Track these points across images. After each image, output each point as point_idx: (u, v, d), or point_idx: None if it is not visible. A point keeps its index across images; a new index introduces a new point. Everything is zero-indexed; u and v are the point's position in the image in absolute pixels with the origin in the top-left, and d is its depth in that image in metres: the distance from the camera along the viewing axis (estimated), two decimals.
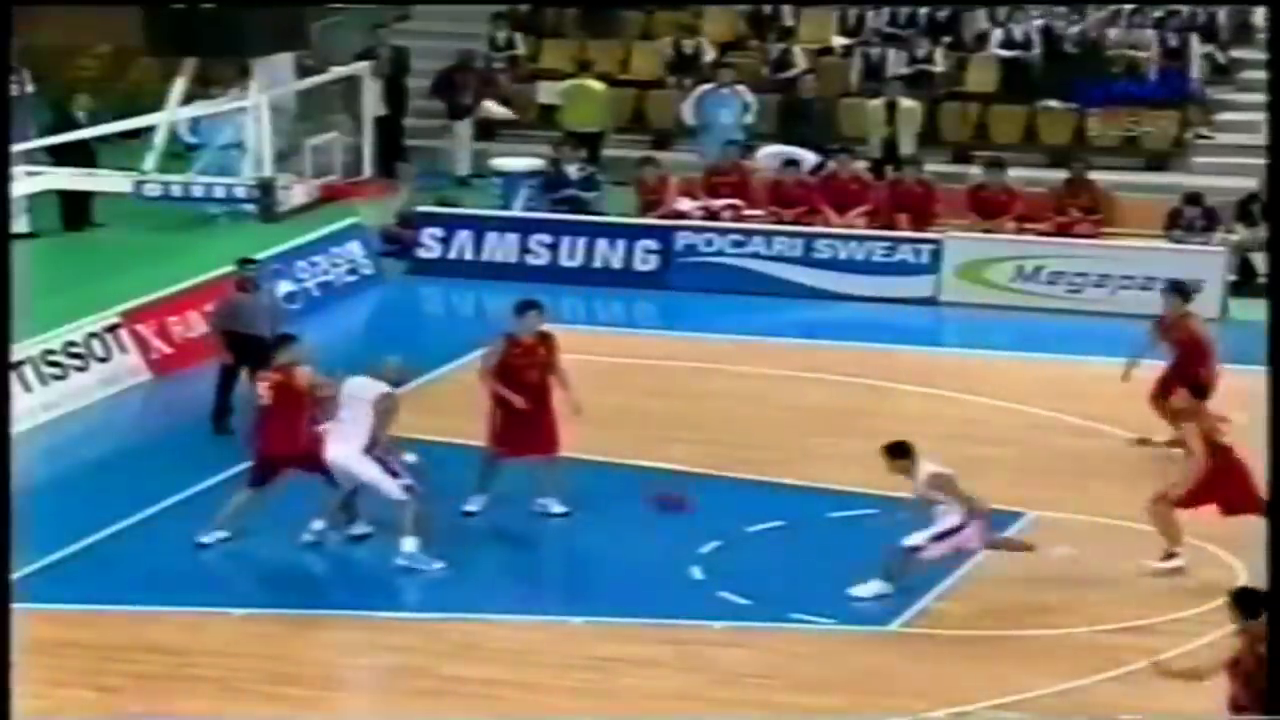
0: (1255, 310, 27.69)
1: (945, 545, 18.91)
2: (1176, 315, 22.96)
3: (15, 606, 18.97)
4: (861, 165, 30.71)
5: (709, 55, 33.73)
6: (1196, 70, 32.37)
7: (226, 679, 17.95)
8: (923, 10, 33.57)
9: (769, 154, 31.10)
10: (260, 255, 27.55)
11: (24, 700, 17.45)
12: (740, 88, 32.39)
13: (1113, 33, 32.62)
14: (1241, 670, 14.47)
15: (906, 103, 31.55)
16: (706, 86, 32.55)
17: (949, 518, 18.83)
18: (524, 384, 20.97)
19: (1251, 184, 29.20)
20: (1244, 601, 14.71)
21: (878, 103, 31.67)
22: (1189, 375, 21.87)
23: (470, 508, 21.15)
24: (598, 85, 33.26)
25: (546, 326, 21.23)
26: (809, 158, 30.87)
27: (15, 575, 19.33)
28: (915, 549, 18.83)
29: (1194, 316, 23.09)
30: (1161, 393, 22.28)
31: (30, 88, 31.38)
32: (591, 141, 32.43)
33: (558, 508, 21.18)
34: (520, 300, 21.73)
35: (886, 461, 19.11)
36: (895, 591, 19.00)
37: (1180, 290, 23.21)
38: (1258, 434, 19.36)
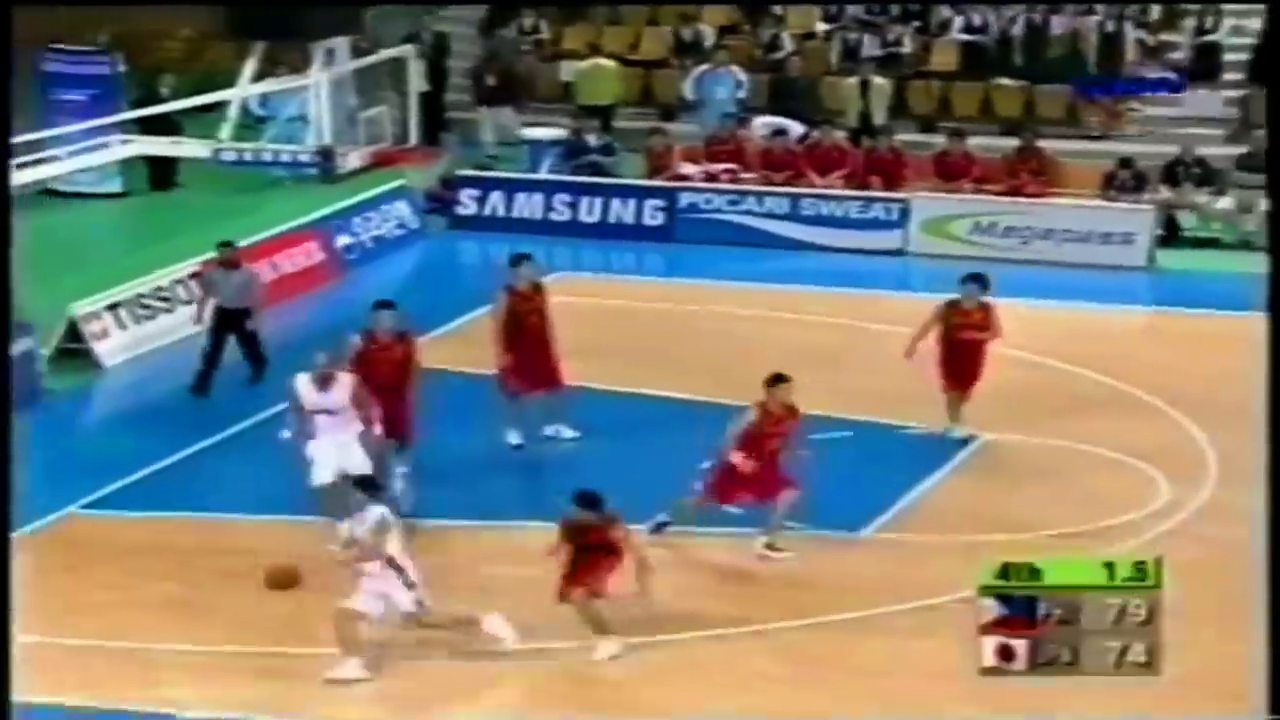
0: (1178, 260, 27.81)
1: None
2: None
3: (111, 515, 19.26)
4: (840, 135, 30.66)
5: (708, 40, 33.67)
6: (1131, 53, 32.26)
7: (328, 574, 18.01)
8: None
9: (762, 124, 31.07)
10: (305, 219, 27.74)
11: (113, 592, 17.67)
12: (734, 67, 32.34)
13: (1056, 19, 32.49)
14: None
15: (878, 80, 31.52)
16: (704, 67, 32.53)
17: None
18: (525, 328, 20.93)
19: (1175, 150, 29.22)
20: None
21: (853, 81, 31.63)
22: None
23: (513, 441, 21.08)
24: (610, 64, 33.24)
25: (564, 274, 21.21)
26: (796, 128, 30.85)
27: (111, 489, 19.64)
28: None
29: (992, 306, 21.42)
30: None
31: (122, 68, 31.36)
32: (604, 114, 32.39)
33: (568, 433, 21.20)
34: (513, 253, 21.64)
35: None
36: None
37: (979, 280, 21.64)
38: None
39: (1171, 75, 32.25)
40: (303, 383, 18.52)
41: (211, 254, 25.78)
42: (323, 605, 16.62)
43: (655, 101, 33.35)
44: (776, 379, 18.72)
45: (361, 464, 18.10)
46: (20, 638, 16.49)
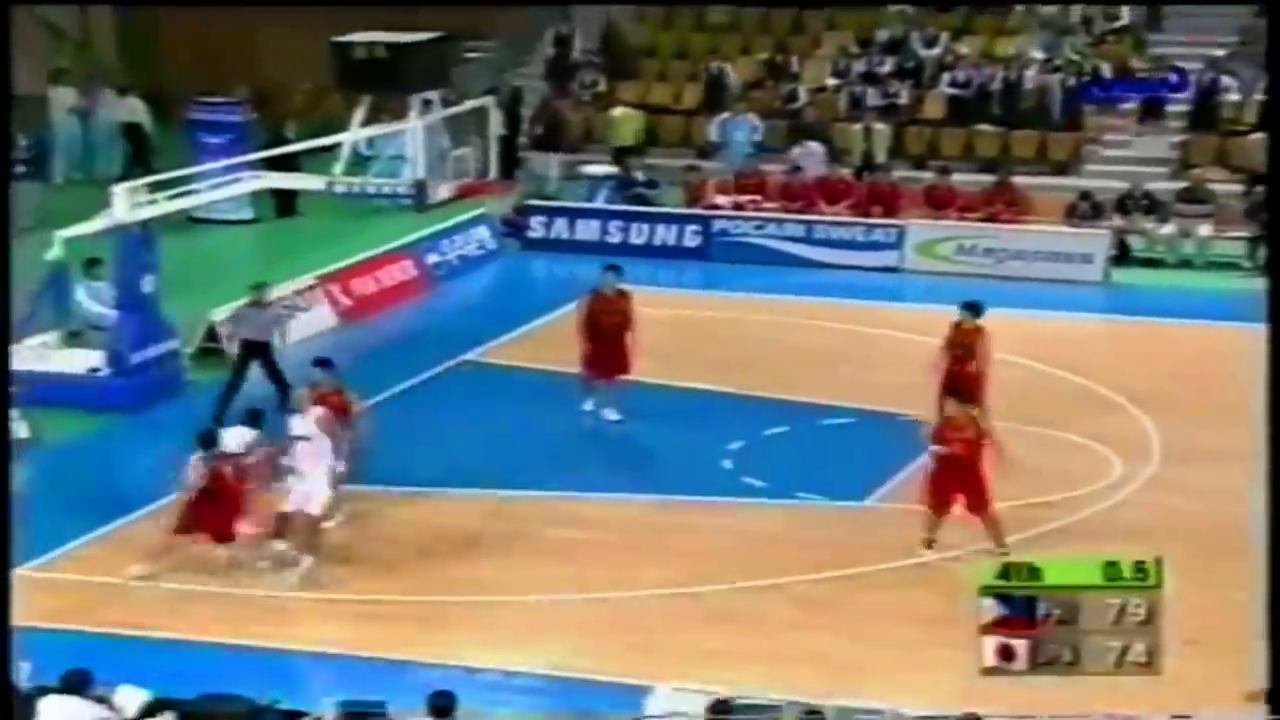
0: (1129, 276, 27.66)
1: None
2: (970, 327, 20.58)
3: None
4: (847, 171, 30.57)
5: (734, 91, 33.46)
6: (1089, 104, 32.06)
7: (394, 536, 18.08)
8: (891, 60, 33.31)
9: (799, 154, 30.87)
10: (402, 240, 27.71)
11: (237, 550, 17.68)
12: (750, 115, 32.20)
13: (1028, 75, 32.31)
14: None
15: (879, 126, 31.39)
16: (725, 114, 32.37)
17: None
18: (602, 326, 21.04)
19: (1126, 185, 29.08)
20: None
21: (859, 126, 31.51)
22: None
23: (587, 407, 21.11)
24: (633, 112, 33.16)
25: (624, 285, 21.30)
26: (818, 149, 30.65)
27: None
28: None
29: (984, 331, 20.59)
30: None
31: (254, 116, 31.51)
32: (629, 152, 32.28)
33: (614, 415, 21.20)
34: (606, 263, 21.84)
35: None
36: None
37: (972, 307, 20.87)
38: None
39: (1173, 77, 32.03)
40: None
41: (323, 270, 25.96)
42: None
43: (692, 144, 33.23)
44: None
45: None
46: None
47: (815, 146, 30.85)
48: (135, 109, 33.68)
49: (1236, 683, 14.28)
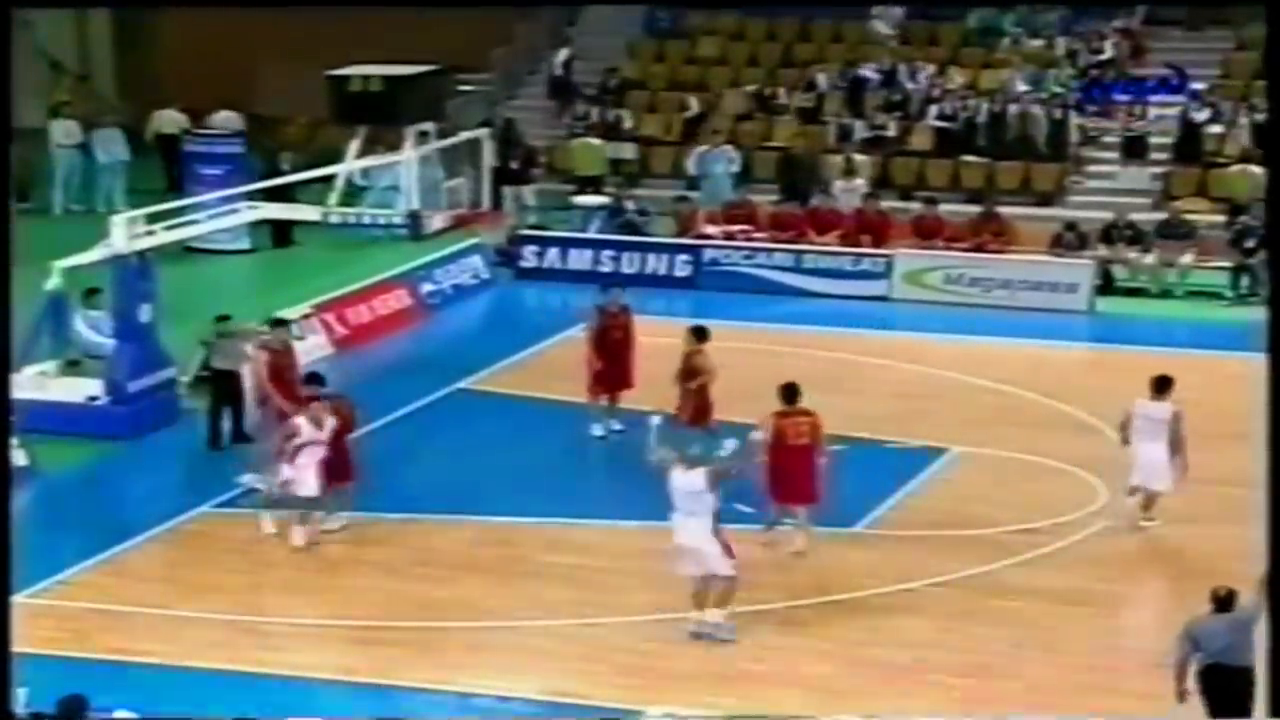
0: (1113, 305, 27.69)
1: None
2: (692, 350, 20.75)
3: (240, 512, 19.23)
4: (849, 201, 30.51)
5: (720, 124, 33.46)
6: (1074, 135, 32.18)
7: (389, 561, 18.05)
8: (880, 92, 33.39)
9: (842, 187, 30.79)
10: (397, 270, 27.68)
11: (240, 576, 17.60)
12: (727, 146, 32.25)
13: (1012, 108, 32.39)
14: None
15: (859, 158, 31.42)
16: (704, 147, 32.37)
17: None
18: (610, 341, 21.18)
19: (1110, 216, 29.12)
20: None
21: (838, 158, 31.51)
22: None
23: (597, 433, 21.27)
24: (596, 142, 33.27)
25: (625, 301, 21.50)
26: (859, 184, 30.43)
27: (237, 491, 19.61)
28: None
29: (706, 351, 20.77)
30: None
31: (250, 148, 31.55)
32: (594, 182, 32.41)
33: (618, 426, 21.27)
34: (606, 281, 22.00)
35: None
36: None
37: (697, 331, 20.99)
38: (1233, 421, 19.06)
39: (1173, 77, 32.09)
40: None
41: (319, 299, 25.92)
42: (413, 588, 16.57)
43: (682, 175, 33.27)
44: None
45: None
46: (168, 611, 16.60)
47: (859, 182, 30.74)
48: (175, 120, 33.92)
49: None
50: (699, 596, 16.27)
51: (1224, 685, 13.59)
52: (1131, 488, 18.77)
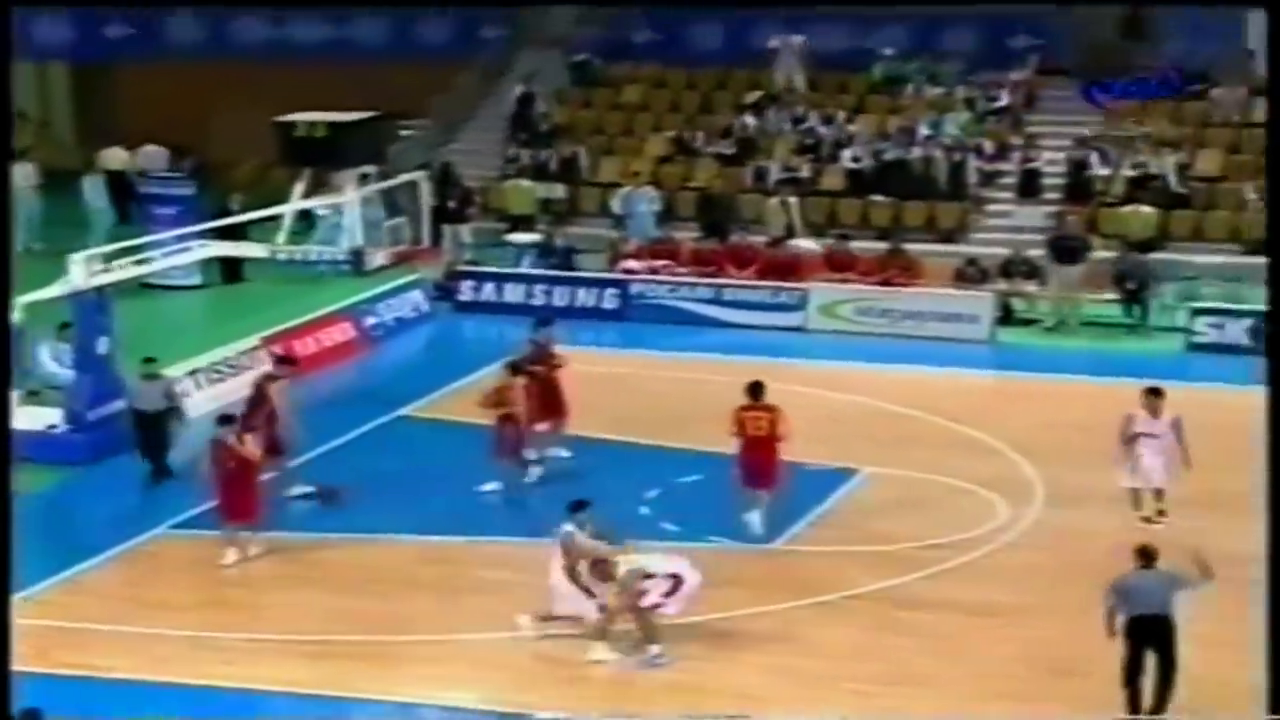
0: (1011, 335, 27.79)
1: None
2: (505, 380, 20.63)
3: (195, 533, 18.98)
4: (760, 239, 30.49)
5: (642, 166, 33.47)
6: (972, 176, 32.33)
7: (336, 579, 17.89)
8: (793, 137, 33.46)
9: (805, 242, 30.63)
10: (341, 304, 27.47)
11: (195, 593, 17.36)
12: (648, 187, 32.25)
13: (916, 150, 32.54)
14: None
15: (793, 199, 31.37)
16: (627, 188, 32.37)
17: None
18: (543, 376, 21.07)
19: (1008, 252, 29.25)
20: None
21: (776, 201, 31.37)
22: None
23: (541, 457, 21.00)
24: (525, 183, 33.24)
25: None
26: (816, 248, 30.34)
27: (194, 513, 19.36)
28: None
29: (517, 385, 20.53)
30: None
31: (202, 190, 31.35)
32: (526, 220, 32.36)
33: (565, 453, 21.21)
34: (538, 316, 22.00)
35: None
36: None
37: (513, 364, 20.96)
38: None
39: (1173, 77, 32.16)
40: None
41: (267, 332, 25.69)
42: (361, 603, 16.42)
43: (610, 214, 33.23)
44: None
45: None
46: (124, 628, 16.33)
47: (813, 245, 30.51)
48: (119, 157, 33.77)
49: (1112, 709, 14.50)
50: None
51: (1149, 632, 14.44)
52: (1133, 492, 19.07)
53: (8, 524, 11.23)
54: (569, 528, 16.55)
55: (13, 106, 16.49)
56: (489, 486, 20.16)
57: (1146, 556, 14.77)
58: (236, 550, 18.30)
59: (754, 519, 18.86)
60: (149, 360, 21.63)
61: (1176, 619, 14.49)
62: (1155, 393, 19.17)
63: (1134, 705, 14.52)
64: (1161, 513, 18.97)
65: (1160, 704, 14.50)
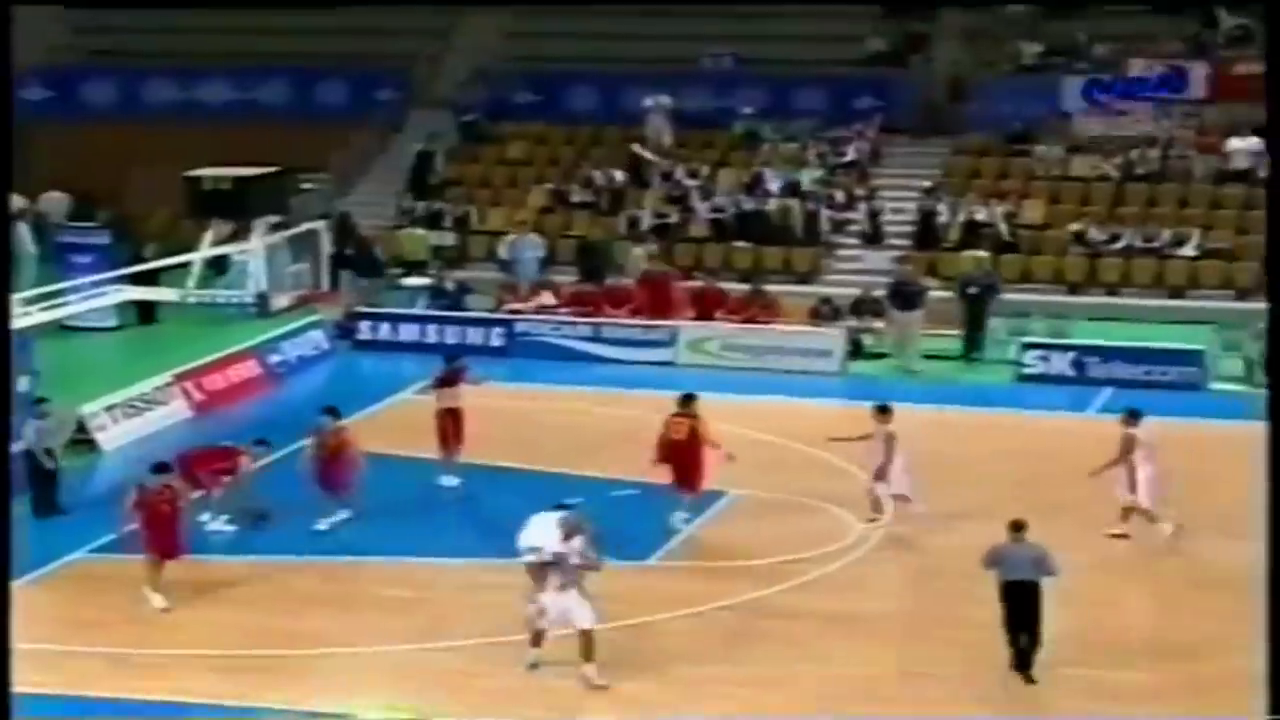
0: (861, 368, 28.09)
1: None
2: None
3: (111, 557, 18.71)
4: (630, 281, 30.61)
5: (527, 217, 33.55)
6: (825, 224, 32.69)
7: (248, 598, 17.75)
8: (661, 189, 33.68)
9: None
10: (248, 343, 27.24)
11: (115, 612, 17.13)
12: (533, 235, 32.39)
13: (774, 202, 32.87)
14: None
15: (637, 250, 31.55)
16: (513, 235, 32.45)
17: None
18: (449, 405, 21.22)
19: (858, 292, 29.57)
20: None
21: (640, 250, 31.58)
22: None
23: (448, 483, 21.16)
24: (419, 231, 33.29)
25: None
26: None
27: (109, 538, 19.08)
28: None
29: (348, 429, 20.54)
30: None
31: (114, 239, 31.06)
32: (417, 265, 32.34)
33: (454, 481, 21.24)
34: (448, 355, 22.56)
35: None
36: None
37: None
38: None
39: (1172, 75, 32.38)
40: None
41: (179, 369, 25.44)
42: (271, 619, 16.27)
43: (496, 258, 33.26)
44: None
45: None
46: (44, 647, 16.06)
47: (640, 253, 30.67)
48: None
49: (967, 706, 14.72)
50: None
51: (1018, 596, 15.37)
52: (1144, 509, 19.08)
53: (7, 524, 11.03)
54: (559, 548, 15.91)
55: (13, 109, 15.81)
56: (340, 516, 19.75)
57: (1018, 529, 15.50)
58: (162, 597, 17.52)
59: (675, 518, 19.48)
60: (41, 400, 21.03)
61: (1043, 586, 15.30)
62: (1134, 415, 19.16)
63: (1015, 659, 15.38)
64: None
65: (1027, 658, 15.34)
